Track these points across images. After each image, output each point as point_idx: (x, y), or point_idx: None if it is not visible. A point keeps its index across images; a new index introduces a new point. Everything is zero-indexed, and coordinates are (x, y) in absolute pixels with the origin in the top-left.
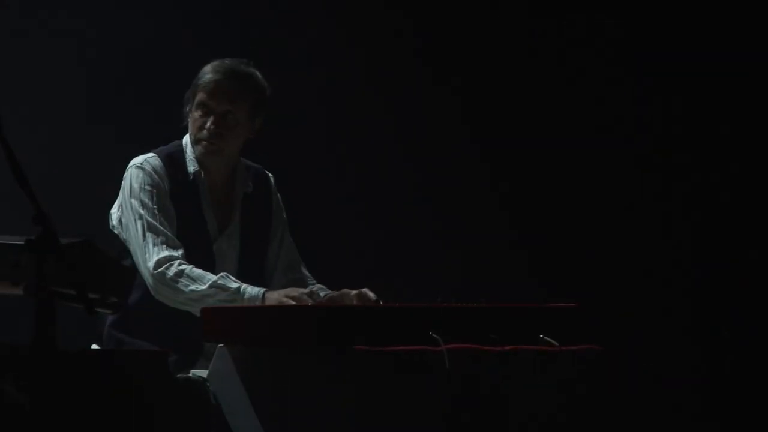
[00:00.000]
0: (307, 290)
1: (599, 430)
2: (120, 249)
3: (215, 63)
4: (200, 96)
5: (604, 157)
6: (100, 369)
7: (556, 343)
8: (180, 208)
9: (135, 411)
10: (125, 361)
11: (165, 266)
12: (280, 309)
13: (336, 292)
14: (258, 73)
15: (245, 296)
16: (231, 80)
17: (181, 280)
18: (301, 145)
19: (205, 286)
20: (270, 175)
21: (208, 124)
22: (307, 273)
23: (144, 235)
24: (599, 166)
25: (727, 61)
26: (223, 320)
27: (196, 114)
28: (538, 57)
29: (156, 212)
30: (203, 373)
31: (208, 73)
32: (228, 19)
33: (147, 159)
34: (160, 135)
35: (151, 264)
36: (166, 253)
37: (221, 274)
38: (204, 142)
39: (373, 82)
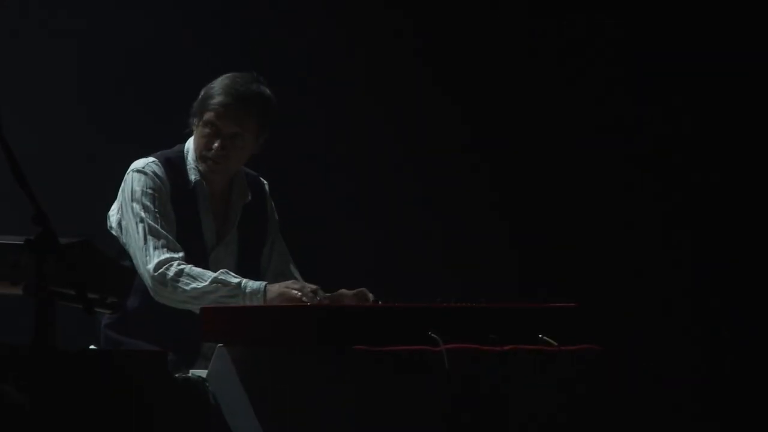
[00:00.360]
0: (314, 287)
1: (599, 430)
2: (119, 249)
3: (226, 81)
4: (208, 115)
5: (604, 157)
6: (99, 369)
7: (555, 343)
8: (179, 214)
9: (134, 411)
10: (124, 361)
11: (165, 267)
12: (279, 309)
13: (333, 294)
14: (267, 91)
15: (247, 290)
16: (240, 103)
17: (181, 279)
18: (301, 145)
19: (206, 283)
20: (265, 182)
21: (215, 144)
22: (297, 275)
23: (145, 239)
24: (599, 166)
25: (727, 61)
26: (223, 320)
27: (204, 131)
28: (538, 57)
29: (157, 216)
30: (202, 373)
31: (218, 94)
32: (228, 19)
33: (148, 163)
34: (160, 135)
35: (151, 266)
36: (166, 255)
37: (221, 270)
38: (210, 162)
39: (373, 83)
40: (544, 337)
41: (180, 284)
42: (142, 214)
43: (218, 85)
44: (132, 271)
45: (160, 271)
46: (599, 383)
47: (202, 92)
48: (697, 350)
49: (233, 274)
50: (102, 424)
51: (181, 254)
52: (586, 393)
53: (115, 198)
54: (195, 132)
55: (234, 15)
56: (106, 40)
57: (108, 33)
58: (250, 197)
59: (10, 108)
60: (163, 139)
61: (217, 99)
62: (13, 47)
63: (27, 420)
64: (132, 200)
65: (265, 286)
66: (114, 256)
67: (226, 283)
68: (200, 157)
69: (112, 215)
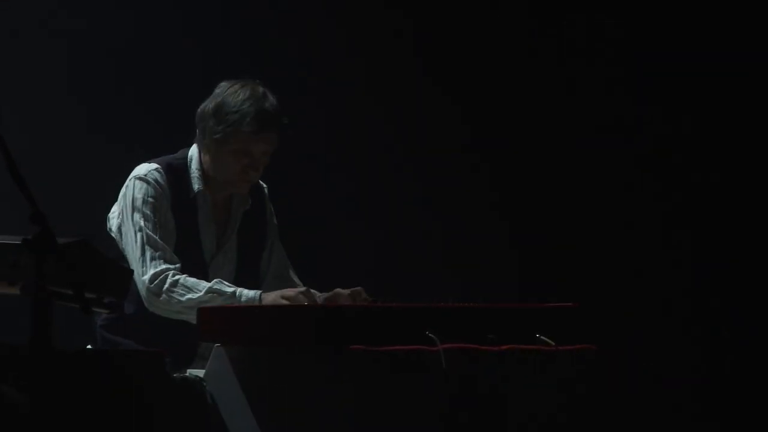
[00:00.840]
0: (303, 289)
1: (599, 430)
2: (117, 252)
3: (248, 103)
4: (241, 143)
5: (604, 157)
6: (97, 369)
7: (553, 343)
8: (180, 223)
9: (132, 410)
10: (122, 361)
11: (160, 278)
12: (277, 309)
13: (329, 294)
14: (274, 97)
15: (242, 299)
16: (272, 125)
17: (176, 290)
18: (301, 145)
19: (201, 293)
20: (264, 186)
21: (248, 167)
22: (296, 279)
23: (143, 249)
24: (599, 166)
25: (727, 61)
26: (220, 320)
27: (234, 157)
28: (538, 57)
29: (156, 226)
30: (199, 373)
31: (248, 121)
32: (228, 19)
33: (150, 171)
34: (160, 135)
35: (147, 277)
36: (162, 266)
37: (215, 280)
38: (242, 183)
39: (373, 83)
40: (542, 337)
41: (175, 295)
42: (141, 223)
43: (239, 107)
44: (130, 272)
45: (156, 282)
46: (599, 383)
47: (218, 111)
48: (697, 350)
49: (227, 283)
50: (100, 423)
51: (177, 265)
52: (585, 393)
53: (115, 199)
54: (214, 151)
55: (234, 15)
56: (105, 40)
57: (107, 33)
58: (250, 203)
59: (9, 108)
60: (162, 139)
61: (249, 127)
62: (13, 47)
63: (25, 420)
64: (132, 208)
65: (260, 295)
66: (113, 255)
67: (221, 293)
68: (228, 179)
69: (112, 218)
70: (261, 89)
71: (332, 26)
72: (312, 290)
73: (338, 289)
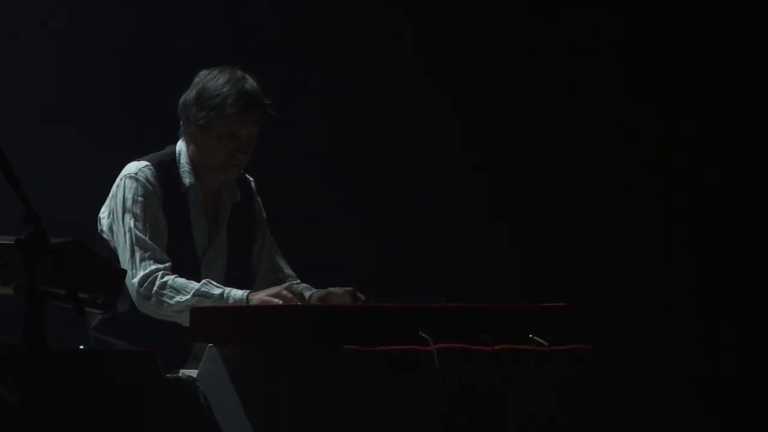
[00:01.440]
0: (285, 285)
1: (599, 430)
2: (109, 252)
3: (228, 86)
4: (225, 127)
5: (603, 157)
6: (90, 369)
7: (546, 343)
8: (171, 219)
9: (125, 411)
10: (115, 361)
11: (149, 280)
12: (271, 309)
13: (322, 291)
14: (255, 81)
15: (230, 300)
16: (254, 106)
17: (165, 292)
18: (301, 145)
19: (189, 296)
20: (251, 179)
21: (235, 151)
22: (290, 272)
23: (132, 250)
24: (598, 166)
25: (727, 61)
26: (214, 320)
27: (220, 141)
28: (538, 57)
29: (147, 225)
30: (193, 373)
31: (231, 103)
32: (228, 19)
33: (141, 169)
34: (157, 135)
35: (136, 279)
36: (152, 267)
37: (204, 281)
38: (231, 168)
39: (373, 83)
40: (535, 337)
41: (164, 298)
42: (131, 223)
43: (219, 90)
44: (123, 272)
45: (145, 284)
46: (595, 383)
47: (199, 98)
48: (697, 350)
49: (215, 284)
50: (93, 423)
51: (167, 264)
52: (584, 393)
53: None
54: (200, 139)
55: (234, 15)
56: (102, 39)
57: (105, 33)
58: (239, 196)
59: (5, 108)
60: (160, 139)
61: (233, 109)
62: (8, 47)
63: (18, 419)
64: (123, 209)
65: (248, 296)
66: (106, 255)
67: (209, 296)
68: (215, 165)
69: (103, 218)
70: (239, 72)
71: (332, 26)
72: (303, 283)
73: (332, 288)
